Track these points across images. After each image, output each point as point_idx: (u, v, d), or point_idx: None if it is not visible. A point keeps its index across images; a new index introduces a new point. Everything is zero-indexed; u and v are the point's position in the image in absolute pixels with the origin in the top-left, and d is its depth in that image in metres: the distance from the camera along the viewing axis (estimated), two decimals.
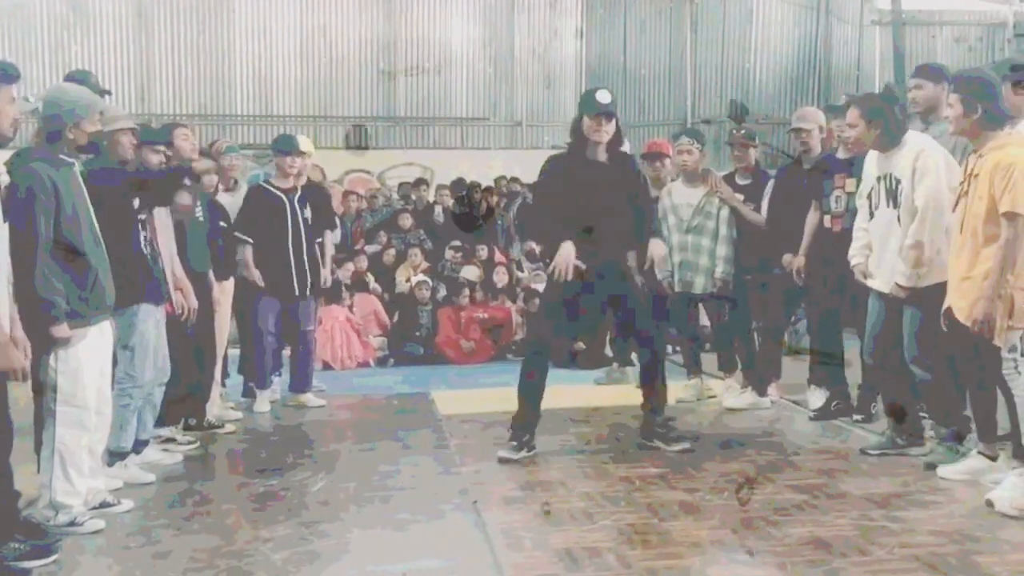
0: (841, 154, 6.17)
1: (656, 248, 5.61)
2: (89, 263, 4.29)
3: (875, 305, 5.35)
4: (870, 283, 5.37)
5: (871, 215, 5.35)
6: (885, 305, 5.25)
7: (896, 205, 5.15)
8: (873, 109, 5.20)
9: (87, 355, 4.30)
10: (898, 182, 5.13)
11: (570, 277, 5.31)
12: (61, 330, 4.14)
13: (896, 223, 5.14)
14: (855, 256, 5.51)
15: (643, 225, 5.65)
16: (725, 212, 6.84)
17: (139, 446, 5.26)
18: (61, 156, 4.29)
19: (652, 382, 5.69)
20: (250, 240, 6.94)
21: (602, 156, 5.47)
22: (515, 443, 5.49)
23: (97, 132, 4.43)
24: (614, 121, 5.43)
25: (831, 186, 6.13)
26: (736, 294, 6.87)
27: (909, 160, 5.07)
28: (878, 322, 5.33)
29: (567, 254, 5.31)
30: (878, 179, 5.27)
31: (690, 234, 6.89)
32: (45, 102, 4.30)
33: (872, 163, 5.35)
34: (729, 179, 7.02)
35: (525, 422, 5.53)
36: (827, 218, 6.17)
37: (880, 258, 5.28)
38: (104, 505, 4.50)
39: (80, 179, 4.41)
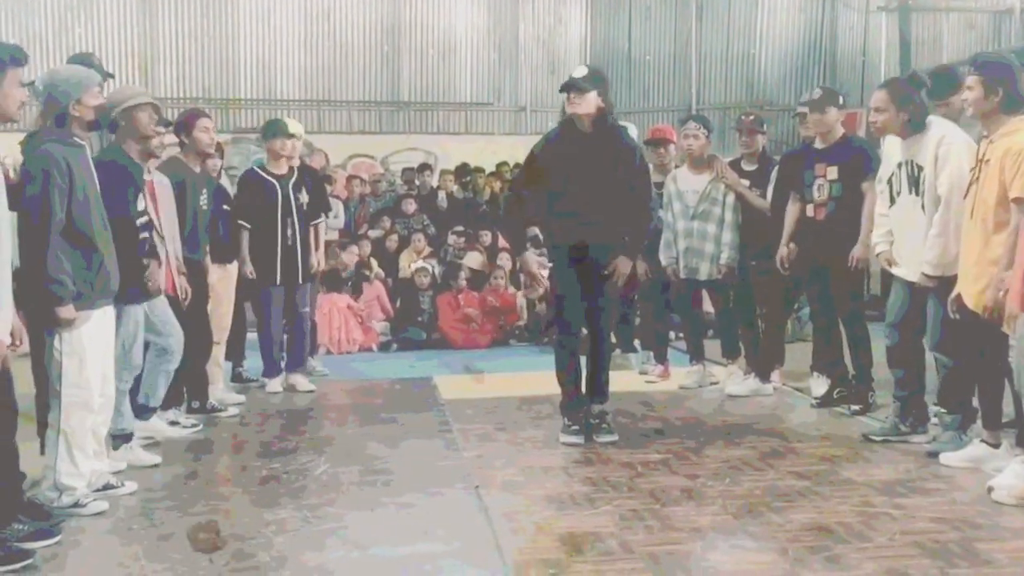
0: (819, 144, 6.16)
1: (623, 265, 5.56)
2: (96, 246, 4.29)
3: (899, 292, 5.33)
4: (895, 271, 5.35)
5: (892, 201, 5.32)
6: (910, 293, 5.23)
7: (918, 192, 5.12)
8: (903, 96, 5.18)
9: (91, 338, 4.31)
10: (920, 169, 5.09)
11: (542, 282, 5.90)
12: (67, 311, 4.15)
13: (919, 210, 5.10)
14: (879, 244, 5.48)
15: (637, 199, 5.57)
16: (731, 198, 6.82)
17: (147, 413, 5.28)
18: (74, 138, 4.29)
19: (594, 373, 5.65)
20: (248, 226, 6.95)
21: (587, 129, 5.42)
22: (575, 427, 5.52)
23: (101, 106, 4.42)
24: (589, 95, 5.35)
25: (812, 176, 6.12)
26: (742, 280, 6.87)
27: (931, 147, 5.03)
28: (901, 310, 5.29)
29: (528, 264, 5.81)
30: (899, 165, 5.23)
31: (695, 220, 6.87)
32: (43, 87, 4.29)
33: (893, 148, 5.31)
34: (735, 165, 7.00)
35: (572, 403, 5.56)
36: (810, 207, 6.16)
37: (903, 245, 5.25)
38: (107, 487, 4.51)
39: (91, 162, 4.41)
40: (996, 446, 4.73)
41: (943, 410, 5.16)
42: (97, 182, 4.41)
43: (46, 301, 4.11)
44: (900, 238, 5.30)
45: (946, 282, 4.92)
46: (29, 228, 4.06)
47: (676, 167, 7.23)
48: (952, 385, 5.08)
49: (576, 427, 5.51)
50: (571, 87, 5.37)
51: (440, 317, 9.68)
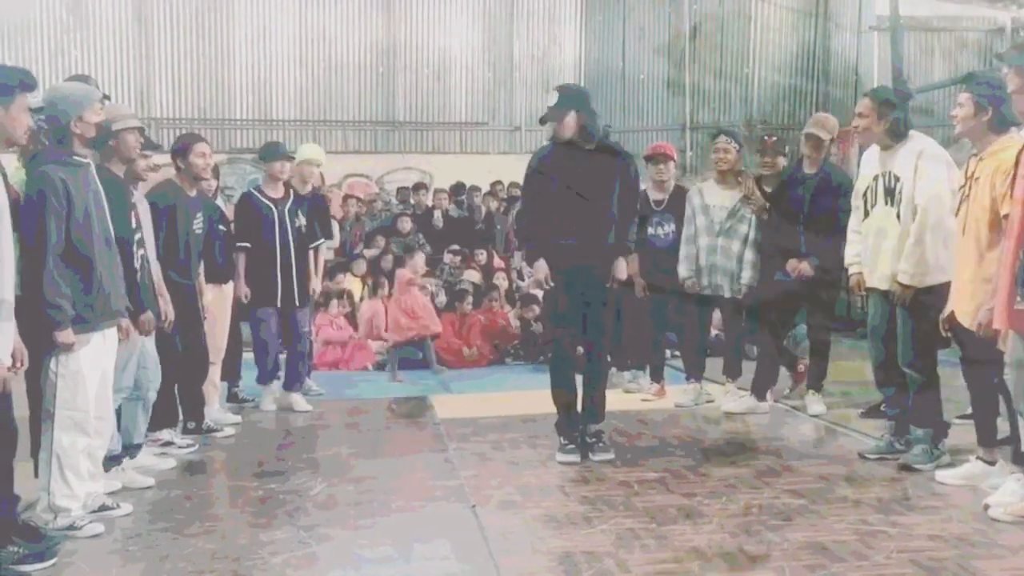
0: None
1: (620, 268, 5.55)
2: (96, 268, 4.28)
3: (877, 308, 5.35)
4: (869, 283, 5.37)
5: (866, 215, 5.36)
6: (889, 308, 5.25)
7: (893, 203, 5.16)
8: (885, 103, 5.23)
9: (88, 360, 4.30)
10: (897, 179, 5.14)
11: (550, 283, 5.52)
12: (66, 336, 4.14)
13: (895, 219, 5.15)
14: (853, 265, 5.51)
15: (624, 211, 5.60)
16: (755, 218, 6.80)
17: (133, 451, 5.25)
18: (75, 157, 4.29)
19: (590, 393, 5.65)
20: (247, 245, 6.95)
21: (582, 144, 5.45)
22: (571, 445, 5.53)
23: (100, 124, 4.42)
24: (568, 118, 5.39)
25: None
26: (768, 298, 6.78)
27: (911, 157, 5.09)
28: (882, 323, 5.33)
29: (539, 270, 5.53)
30: (875, 178, 5.29)
31: (721, 237, 6.84)
32: (44, 105, 4.29)
33: (871, 161, 5.36)
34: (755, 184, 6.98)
35: (568, 422, 5.58)
36: None
37: (877, 255, 5.28)
38: (103, 509, 4.49)
39: (96, 178, 4.41)
40: (992, 463, 4.74)
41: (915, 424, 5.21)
42: (104, 198, 4.42)
43: (44, 325, 4.10)
44: (875, 250, 5.30)
45: (918, 295, 4.96)
46: (27, 251, 4.06)
47: (703, 181, 7.18)
48: (922, 402, 5.12)
49: (572, 446, 5.51)
50: (547, 119, 5.46)
51: (441, 337, 9.66)
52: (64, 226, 4.13)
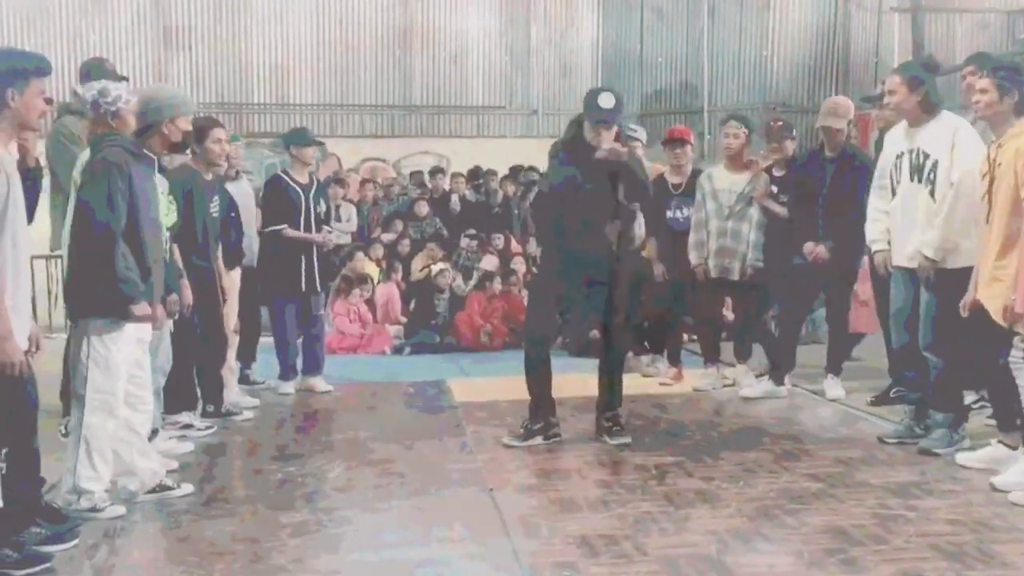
0: None
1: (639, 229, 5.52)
2: (147, 254, 4.35)
3: (900, 291, 5.30)
4: (896, 262, 5.30)
5: (893, 194, 5.29)
6: (913, 291, 5.19)
7: (921, 180, 5.07)
8: (914, 78, 5.14)
9: (119, 344, 4.33)
10: (927, 156, 5.05)
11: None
12: (141, 308, 4.25)
13: (925, 197, 5.05)
14: (877, 242, 5.44)
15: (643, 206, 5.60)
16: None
17: (150, 435, 5.28)
18: (143, 150, 4.39)
19: (607, 378, 5.65)
20: (285, 226, 6.99)
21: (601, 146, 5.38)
22: (521, 431, 5.56)
23: (189, 132, 4.54)
24: (614, 130, 5.33)
25: None
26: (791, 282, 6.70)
27: (947, 134, 4.99)
28: (905, 306, 5.27)
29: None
30: (899, 155, 5.20)
31: (731, 220, 6.82)
32: (142, 99, 4.43)
33: (897, 138, 5.27)
34: (766, 171, 6.94)
35: (539, 408, 5.59)
36: None
37: (906, 235, 5.17)
38: (163, 488, 4.57)
39: (153, 175, 4.54)
40: (1014, 448, 4.71)
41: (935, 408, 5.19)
42: (157, 191, 4.56)
43: (117, 301, 4.19)
44: (902, 228, 5.21)
45: (939, 276, 4.92)
46: (83, 234, 4.16)
47: (698, 167, 7.16)
48: (942, 386, 5.10)
49: (528, 431, 5.52)
50: (606, 123, 5.31)
51: (465, 309, 9.68)
52: (125, 208, 4.21)
